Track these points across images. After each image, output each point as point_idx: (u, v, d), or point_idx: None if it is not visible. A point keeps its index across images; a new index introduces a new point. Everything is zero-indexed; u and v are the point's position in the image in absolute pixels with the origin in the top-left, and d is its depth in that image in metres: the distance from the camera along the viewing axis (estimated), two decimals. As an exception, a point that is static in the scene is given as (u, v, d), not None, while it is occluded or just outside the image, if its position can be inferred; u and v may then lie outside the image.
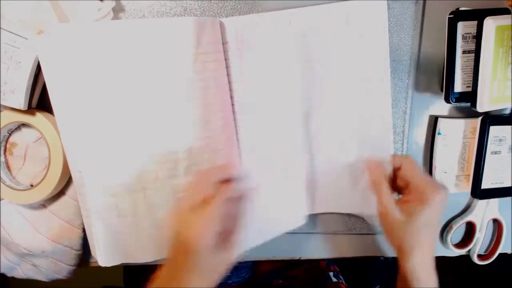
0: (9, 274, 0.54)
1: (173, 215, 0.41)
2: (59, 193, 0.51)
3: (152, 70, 0.45)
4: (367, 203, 0.54)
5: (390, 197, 0.47)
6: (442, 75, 0.52)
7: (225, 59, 0.48)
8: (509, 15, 0.45)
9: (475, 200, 0.56)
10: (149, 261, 0.48)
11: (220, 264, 0.41)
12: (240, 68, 0.49)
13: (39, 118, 0.47)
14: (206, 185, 0.41)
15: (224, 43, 0.47)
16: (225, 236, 0.41)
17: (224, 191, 0.41)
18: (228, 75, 0.49)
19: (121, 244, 0.48)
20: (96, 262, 0.53)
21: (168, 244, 0.41)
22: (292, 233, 0.56)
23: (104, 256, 0.48)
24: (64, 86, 0.43)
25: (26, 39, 0.44)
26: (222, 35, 0.47)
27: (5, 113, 0.48)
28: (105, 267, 0.51)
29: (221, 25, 0.47)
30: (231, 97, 0.49)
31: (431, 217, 0.45)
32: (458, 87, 0.50)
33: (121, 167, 0.46)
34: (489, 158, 0.51)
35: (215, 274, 0.41)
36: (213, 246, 0.39)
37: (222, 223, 0.40)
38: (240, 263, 0.70)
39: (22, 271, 0.54)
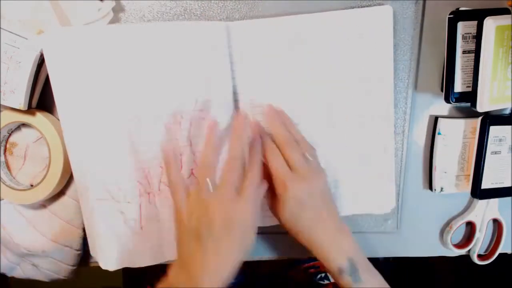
0: (9, 274, 0.54)
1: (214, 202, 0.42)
2: (59, 193, 0.51)
3: (161, 73, 0.46)
4: (368, 202, 0.54)
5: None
6: (442, 75, 0.52)
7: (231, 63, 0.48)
8: (509, 15, 0.45)
9: (475, 200, 0.56)
10: (151, 264, 0.49)
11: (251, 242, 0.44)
12: (242, 69, 0.49)
13: (39, 118, 0.47)
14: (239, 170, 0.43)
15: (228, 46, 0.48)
16: None
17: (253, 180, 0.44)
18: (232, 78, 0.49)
19: (124, 249, 0.48)
20: (96, 262, 0.53)
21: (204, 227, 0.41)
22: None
23: (107, 259, 0.48)
24: (72, 89, 0.44)
25: (26, 39, 0.44)
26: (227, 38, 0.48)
27: (5, 113, 0.48)
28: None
29: (227, 29, 0.47)
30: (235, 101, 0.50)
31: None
32: (458, 87, 0.50)
33: (126, 171, 0.46)
34: (489, 158, 0.51)
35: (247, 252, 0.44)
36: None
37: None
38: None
39: (22, 271, 0.54)
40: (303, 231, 0.46)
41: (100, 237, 0.47)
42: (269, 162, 0.46)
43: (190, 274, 0.41)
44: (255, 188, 0.44)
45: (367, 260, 0.46)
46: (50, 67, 0.43)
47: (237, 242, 0.42)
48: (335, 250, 0.45)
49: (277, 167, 0.45)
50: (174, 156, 0.45)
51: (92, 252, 0.52)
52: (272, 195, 0.47)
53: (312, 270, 0.70)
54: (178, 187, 0.43)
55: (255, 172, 0.44)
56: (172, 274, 0.42)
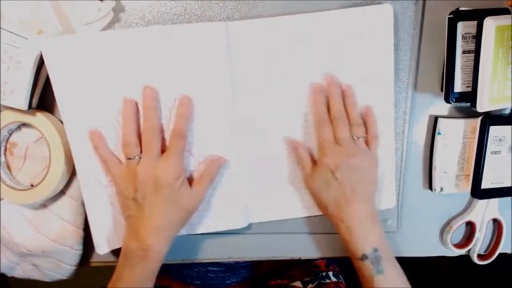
0: (9, 274, 0.54)
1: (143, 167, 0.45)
2: (60, 193, 0.51)
3: (161, 74, 0.46)
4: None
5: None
6: (442, 75, 0.52)
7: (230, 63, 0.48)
8: (509, 15, 0.45)
9: (475, 200, 0.56)
10: None
11: (189, 200, 0.47)
12: (242, 69, 0.49)
13: (39, 118, 0.47)
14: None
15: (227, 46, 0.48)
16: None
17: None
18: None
19: (112, 230, 0.50)
20: (96, 262, 0.53)
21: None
22: (292, 233, 0.56)
23: (99, 243, 0.50)
24: (73, 92, 0.46)
25: (26, 39, 0.44)
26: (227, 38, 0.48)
27: (5, 113, 0.48)
28: (105, 267, 0.51)
29: (226, 29, 0.47)
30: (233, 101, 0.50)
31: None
32: (458, 87, 0.50)
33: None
34: (489, 158, 0.51)
35: (187, 209, 0.47)
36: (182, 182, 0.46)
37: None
38: (239, 263, 0.70)
39: (22, 271, 0.54)
40: (329, 205, 0.48)
41: (92, 223, 0.50)
42: (318, 131, 0.49)
43: (139, 239, 0.45)
44: (177, 149, 0.46)
45: (391, 252, 0.47)
46: (52, 72, 0.45)
47: (170, 198, 0.45)
48: (362, 237, 0.46)
49: (324, 137, 0.48)
50: (100, 136, 0.47)
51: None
52: (308, 167, 0.49)
53: (314, 269, 0.70)
54: (110, 161, 0.47)
55: (174, 136, 0.46)
56: (127, 244, 0.46)
